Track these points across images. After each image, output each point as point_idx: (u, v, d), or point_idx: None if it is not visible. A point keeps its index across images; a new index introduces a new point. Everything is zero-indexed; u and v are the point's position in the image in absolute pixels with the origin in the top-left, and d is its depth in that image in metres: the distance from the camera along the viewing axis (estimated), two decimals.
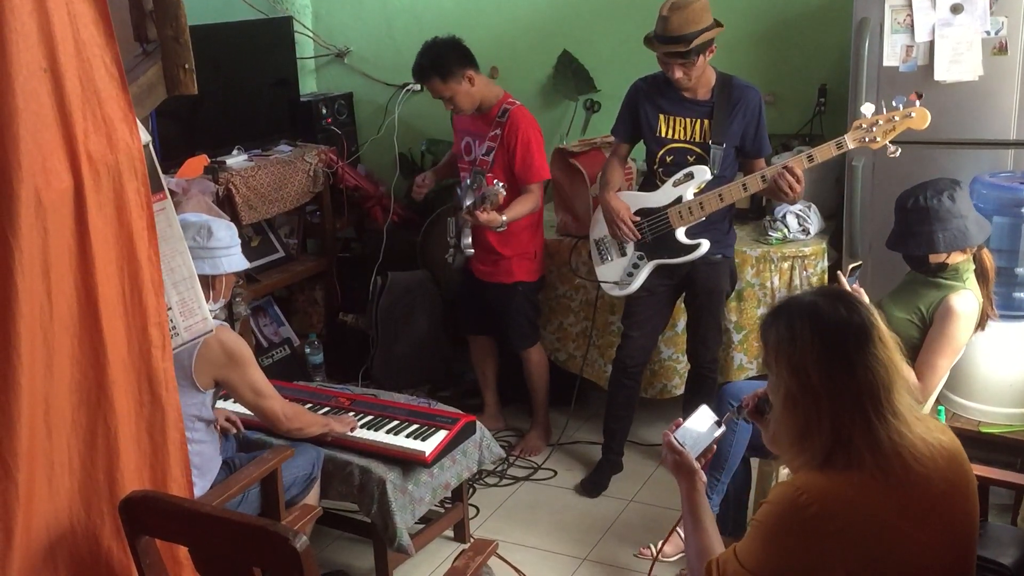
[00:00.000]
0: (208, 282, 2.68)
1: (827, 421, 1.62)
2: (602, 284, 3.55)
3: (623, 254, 3.46)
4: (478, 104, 3.67)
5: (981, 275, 2.83)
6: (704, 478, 1.91)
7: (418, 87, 4.85)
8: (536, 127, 3.68)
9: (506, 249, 3.72)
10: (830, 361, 1.62)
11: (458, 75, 3.60)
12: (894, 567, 1.60)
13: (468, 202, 3.61)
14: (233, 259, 2.72)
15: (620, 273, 3.47)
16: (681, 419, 1.99)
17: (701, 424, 1.96)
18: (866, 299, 2.77)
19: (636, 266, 3.43)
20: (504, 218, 3.53)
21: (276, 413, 2.76)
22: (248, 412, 2.87)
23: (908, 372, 2.71)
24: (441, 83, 3.60)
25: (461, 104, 3.64)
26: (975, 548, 1.72)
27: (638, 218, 3.36)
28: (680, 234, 3.32)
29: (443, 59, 3.60)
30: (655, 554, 3.16)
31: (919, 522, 1.61)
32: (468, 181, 3.67)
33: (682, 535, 3.17)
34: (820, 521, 1.58)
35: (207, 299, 2.70)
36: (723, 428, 1.99)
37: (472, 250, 3.69)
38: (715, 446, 1.98)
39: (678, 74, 3.18)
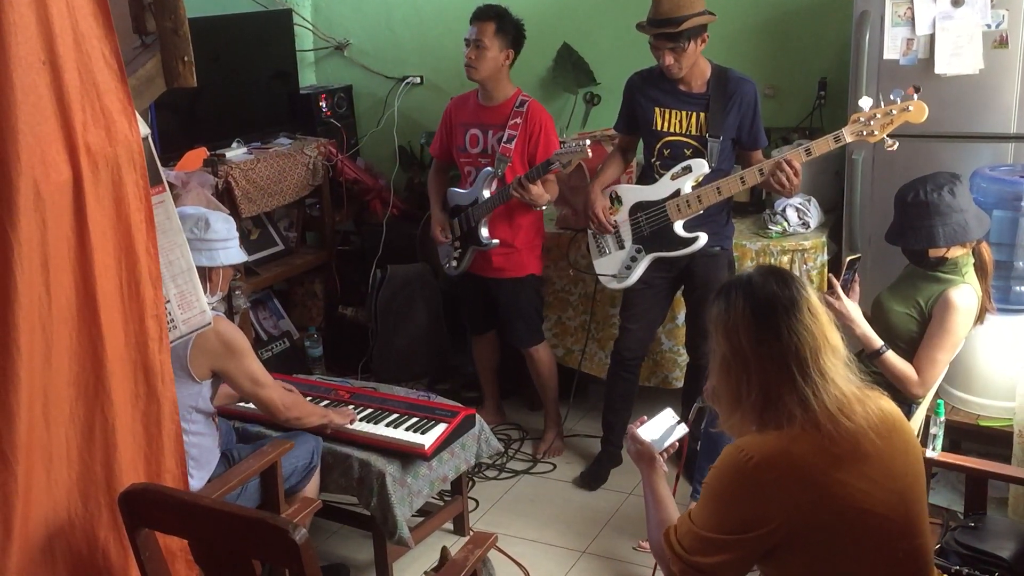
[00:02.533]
0: (205, 274, 2.68)
1: (756, 381, 1.76)
2: (600, 277, 3.55)
3: (621, 247, 3.47)
4: (487, 79, 3.62)
5: (980, 269, 2.83)
6: (664, 466, 2.07)
7: (418, 79, 4.85)
8: (552, 120, 3.72)
9: (519, 241, 3.72)
10: (759, 327, 1.76)
11: (504, 42, 3.59)
12: (832, 511, 1.71)
13: (486, 193, 3.62)
14: (230, 252, 2.72)
15: (618, 266, 3.47)
16: (645, 417, 2.15)
17: (664, 422, 2.15)
18: (855, 297, 2.81)
19: (634, 259, 3.43)
20: (549, 197, 3.56)
21: (275, 402, 2.76)
22: (247, 403, 2.88)
23: (903, 361, 2.75)
24: (493, 31, 3.57)
25: (483, 63, 3.58)
26: (922, 508, 1.82)
27: (615, 218, 3.39)
28: (678, 227, 3.32)
29: (511, 21, 3.61)
30: None
31: (854, 471, 1.72)
32: (489, 170, 3.65)
33: None
34: (758, 472, 1.71)
35: (204, 292, 2.70)
36: (686, 428, 2.15)
37: (496, 240, 3.67)
38: (677, 443, 2.14)
39: (668, 60, 3.18)
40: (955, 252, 2.76)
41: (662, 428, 2.13)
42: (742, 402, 1.79)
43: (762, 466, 1.71)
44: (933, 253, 2.77)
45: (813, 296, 1.80)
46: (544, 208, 3.67)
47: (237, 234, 2.77)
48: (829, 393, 1.73)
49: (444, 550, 2.68)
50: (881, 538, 1.73)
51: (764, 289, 1.78)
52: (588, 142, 3.38)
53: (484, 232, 3.68)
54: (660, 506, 1.99)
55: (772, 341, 1.75)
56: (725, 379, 1.82)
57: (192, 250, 2.57)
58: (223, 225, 2.71)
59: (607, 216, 3.39)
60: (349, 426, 3.00)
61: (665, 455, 2.09)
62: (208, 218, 2.68)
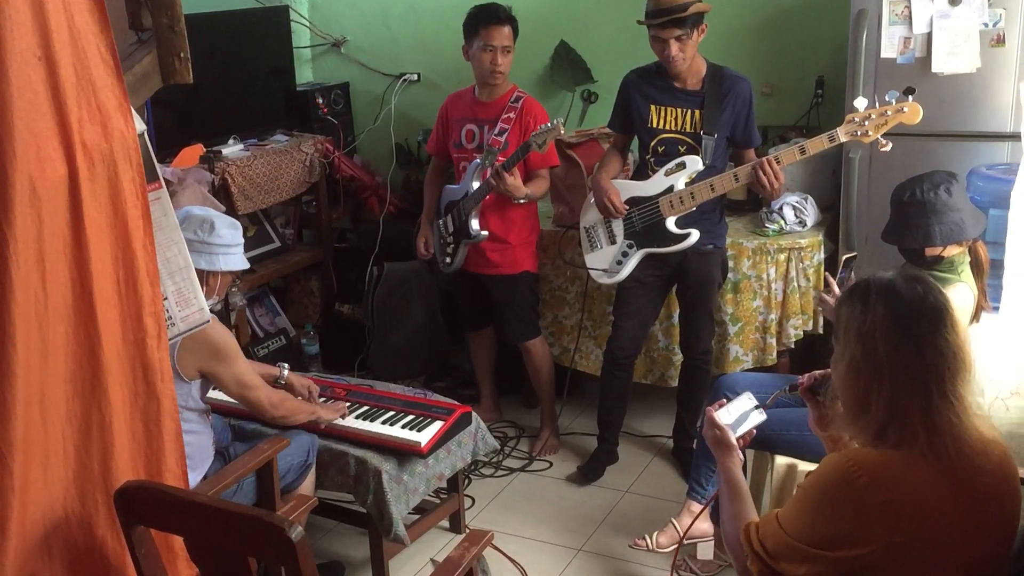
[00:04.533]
0: (203, 278, 2.67)
1: (887, 392, 1.65)
2: (591, 271, 3.55)
3: (613, 242, 3.46)
4: (504, 79, 3.68)
5: (976, 267, 2.83)
6: (741, 456, 2.00)
7: (415, 76, 4.85)
8: (547, 116, 3.72)
9: (512, 237, 3.72)
10: (899, 336, 1.65)
11: (515, 39, 3.66)
12: (929, 546, 1.62)
13: (475, 184, 3.61)
14: (232, 258, 2.70)
15: (609, 261, 3.47)
16: (726, 399, 2.10)
17: (742, 407, 2.09)
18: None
19: (625, 254, 3.43)
20: (528, 191, 3.55)
21: (262, 402, 2.76)
22: (233, 400, 2.87)
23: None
24: (512, 35, 3.63)
25: (506, 64, 3.63)
26: (1007, 557, 1.73)
27: (627, 207, 3.37)
28: (670, 223, 3.32)
29: (514, 17, 3.66)
30: (650, 545, 3.17)
31: (961, 509, 1.63)
32: (478, 161, 3.65)
33: (677, 526, 3.19)
34: (868, 492, 1.62)
35: None
36: (764, 415, 2.10)
37: (485, 232, 3.67)
38: (754, 430, 2.09)
39: (674, 50, 3.18)
40: (951, 251, 2.77)
41: (739, 412, 2.07)
42: (866, 412, 1.68)
43: (872, 487, 1.61)
44: (929, 252, 2.77)
45: (954, 309, 1.69)
46: (523, 202, 3.62)
47: (242, 240, 2.74)
48: (961, 421, 1.63)
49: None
50: None
51: (909, 294, 1.67)
52: (561, 119, 3.38)
53: (474, 224, 3.67)
54: (736, 497, 1.92)
55: (912, 354, 1.64)
56: (853, 385, 1.70)
57: (193, 251, 2.56)
58: (228, 231, 2.69)
59: (619, 199, 3.37)
60: (341, 421, 2.99)
61: (742, 442, 2.03)
62: (214, 221, 2.65)
